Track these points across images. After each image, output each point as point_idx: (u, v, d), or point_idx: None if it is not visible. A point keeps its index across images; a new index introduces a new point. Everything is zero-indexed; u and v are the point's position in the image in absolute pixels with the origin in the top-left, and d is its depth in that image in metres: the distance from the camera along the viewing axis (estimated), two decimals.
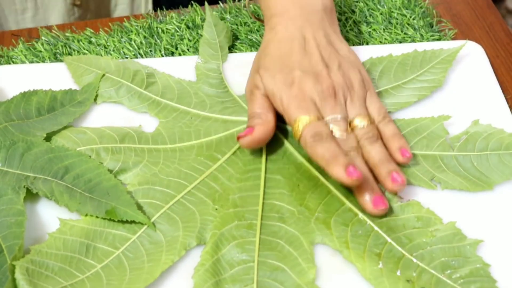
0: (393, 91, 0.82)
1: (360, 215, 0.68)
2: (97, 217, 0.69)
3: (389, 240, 0.66)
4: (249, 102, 0.77)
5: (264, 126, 0.73)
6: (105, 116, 0.82)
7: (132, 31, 0.97)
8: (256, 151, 0.76)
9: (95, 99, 0.83)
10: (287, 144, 0.77)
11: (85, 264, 0.65)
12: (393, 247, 0.65)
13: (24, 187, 0.71)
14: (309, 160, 0.74)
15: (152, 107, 0.82)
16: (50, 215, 0.71)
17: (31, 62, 0.92)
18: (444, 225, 0.67)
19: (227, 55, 0.91)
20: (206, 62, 0.89)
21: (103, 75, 0.85)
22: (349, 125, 0.72)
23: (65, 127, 0.79)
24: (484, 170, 0.72)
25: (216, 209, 0.70)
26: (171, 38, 0.96)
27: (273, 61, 0.77)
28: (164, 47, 0.94)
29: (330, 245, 0.67)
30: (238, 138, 0.73)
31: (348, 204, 0.70)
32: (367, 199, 0.67)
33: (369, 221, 0.68)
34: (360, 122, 0.72)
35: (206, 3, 0.97)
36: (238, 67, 0.89)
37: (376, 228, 0.67)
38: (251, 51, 0.93)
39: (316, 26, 0.79)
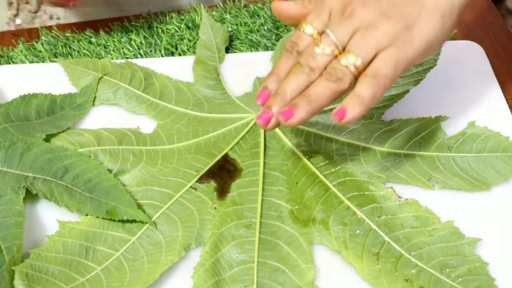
0: None
1: (359, 213, 0.68)
2: (97, 217, 0.69)
3: (387, 239, 0.66)
4: None
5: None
6: (103, 117, 0.82)
7: (132, 31, 0.97)
8: (254, 146, 0.76)
9: (93, 101, 0.83)
10: (285, 139, 0.77)
11: (85, 267, 0.65)
12: (391, 247, 0.65)
13: (23, 187, 0.71)
14: (308, 156, 0.75)
15: (150, 109, 0.83)
16: (49, 217, 0.71)
17: (31, 62, 0.92)
18: (442, 224, 0.67)
19: (224, 56, 0.91)
20: (203, 64, 0.89)
21: (101, 77, 0.85)
22: (340, 51, 0.64)
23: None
24: (481, 171, 0.72)
25: (215, 208, 0.70)
26: (171, 38, 0.96)
27: None
28: (164, 47, 0.94)
29: (328, 246, 0.67)
30: None
31: (346, 202, 0.70)
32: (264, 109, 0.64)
33: (367, 220, 0.68)
34: (346, 59, 0.63)
35: (202, 5, 0.97)
36: (238, 67, 0.89)
37: (374, 226, 0.67)
38: (251, 51, 0.93)
39: None
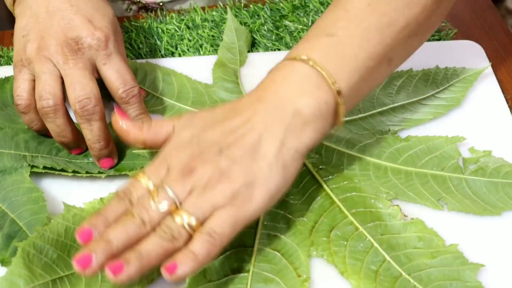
0: (409, 107, 0.81)
1: (361, 229, 0.67)
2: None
3: (388, 258, 0.65)
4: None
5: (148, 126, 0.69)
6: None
7: (132, 31, 0.96)
8: None
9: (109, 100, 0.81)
10: None
11: None
12: (391, 266, 0.64)
13: (28, 165, 0.72)
14: (317, 169, 0.74)
15: (166, 110, 0.83)
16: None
17: None
18: (446, 247, 0.65)
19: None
20: (223, 66, 0.89)
21: None
22: (176, 207, 0.62)
23: None
24: (493, 195, 0.70)
25: None
26: (171, 38, 0.95)
27: (206, 115, 0.68)
28: (164, 47, 0.94)
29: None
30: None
31: (350, 217, 0.68)
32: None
33: (369, 237, 0.67)
34: (181, 218, 0.61)
35: (228, 9, 0.96)
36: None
37: (375, 244, 0.66)
38: (251, 51, 0.93)
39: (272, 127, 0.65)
